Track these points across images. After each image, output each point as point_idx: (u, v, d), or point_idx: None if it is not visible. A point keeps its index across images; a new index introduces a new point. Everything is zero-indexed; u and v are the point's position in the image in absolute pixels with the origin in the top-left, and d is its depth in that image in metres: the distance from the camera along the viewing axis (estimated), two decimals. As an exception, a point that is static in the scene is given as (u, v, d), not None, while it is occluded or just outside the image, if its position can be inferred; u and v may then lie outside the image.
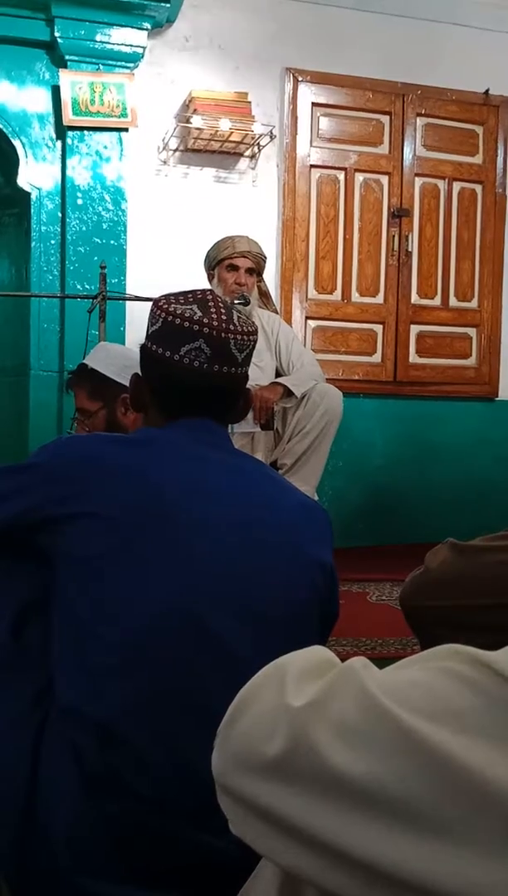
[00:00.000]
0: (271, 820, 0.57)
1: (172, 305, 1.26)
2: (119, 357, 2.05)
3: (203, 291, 1.30)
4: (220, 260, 3.29)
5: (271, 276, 3.93)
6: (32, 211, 3.82)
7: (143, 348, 1.31)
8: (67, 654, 1.14)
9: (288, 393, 3.15)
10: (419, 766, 0.51)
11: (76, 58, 3.71)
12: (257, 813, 0.58)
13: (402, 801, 0.51)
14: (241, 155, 4.04)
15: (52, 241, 3.82)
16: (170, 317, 1.25)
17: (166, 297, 1.29)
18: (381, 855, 0.51)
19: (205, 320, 1.23)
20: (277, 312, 3.69)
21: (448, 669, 0.55)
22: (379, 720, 0.54)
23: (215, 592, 1.13)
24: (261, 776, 0.58)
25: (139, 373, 1.35)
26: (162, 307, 1.26)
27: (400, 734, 0.53)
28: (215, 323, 1.24)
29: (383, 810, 0.52)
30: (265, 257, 3.40)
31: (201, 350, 1.23)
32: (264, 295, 3.59)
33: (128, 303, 3.68)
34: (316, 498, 3.25)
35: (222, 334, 1.24)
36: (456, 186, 4.38)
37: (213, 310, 1.25)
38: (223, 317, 1.25)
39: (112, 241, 3.81)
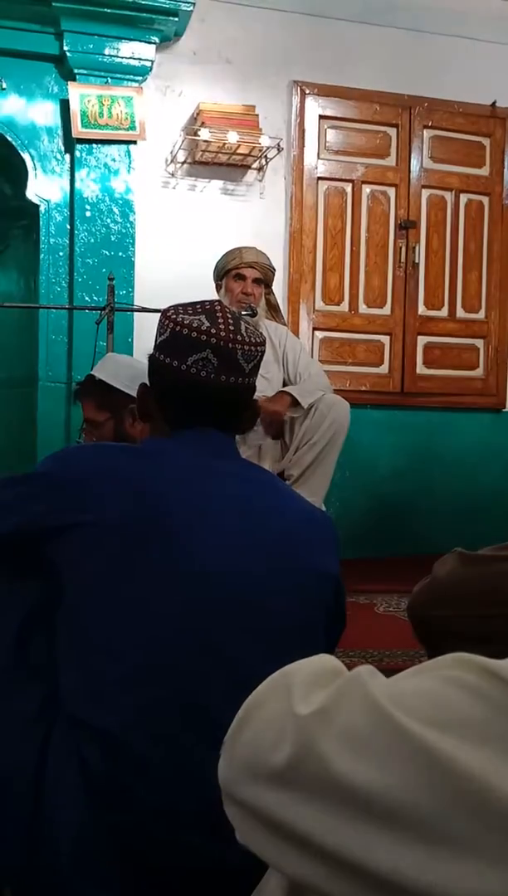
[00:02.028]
0: (277, 829, 0.57)
1: (181, 316, 1.26)
2: (127, 368, 2.05)
3: (211, 302, 1.30)
4: (227, 270, 3.30)
5: (278, 288, 3.94)
6: (41, 223, 3.84)
7: (150, 358, 1.32)
8: (71, 664, 1.15)
9: (294, 402, 3.15)
10: (425, 775, 0.51)
11: (85, 71, 3.74)
12: (262, 822, 0.58)
13: (408, 810, 0.51)
14: (248, 167, 4.06)
15: (61, 253, 3.84)
16: (178, 327, 1.25)
17: (175, 307, 1.30)
18: (386, 864, 0.51)
19: (213, 330, 1.24)
20: (285, 325, 3.69)
21: (455, 678, 0.55)
22: (386, 729, 0.54)
23: (219, 602, 1.12)
24: (267, 785, 0.58)
25: (147, 382, 1.36)
26: (170, 317, 1.27)
27: (407, 743, 0.52)
28: (223, 333, 1.24)
29: (388, 819, 0.52)
30: (274, 269, 3.41)
31: (208, 360, 1.24)
32: (273, 308, 3.59)
33: (136, 314, 3.70)
34: (324, 509, 3.24)
35: (230, 344, 1.24)
36: (463, 198, 4.39)
37: (221, 320, 1.25)
38: (231, 327, 1.25)
39: (120, 253, 3.83)
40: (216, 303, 1.30)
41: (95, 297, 3.73)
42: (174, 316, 1.27)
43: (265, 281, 3.35)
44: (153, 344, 1.32)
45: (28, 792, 1.10)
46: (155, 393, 1.33)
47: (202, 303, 1.30)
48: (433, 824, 0.50)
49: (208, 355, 1.24)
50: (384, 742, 0.53)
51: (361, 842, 0.52)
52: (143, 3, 3.65)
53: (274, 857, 0.58)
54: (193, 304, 1.29)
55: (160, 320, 1.30)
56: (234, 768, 0.61)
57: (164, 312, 1.29)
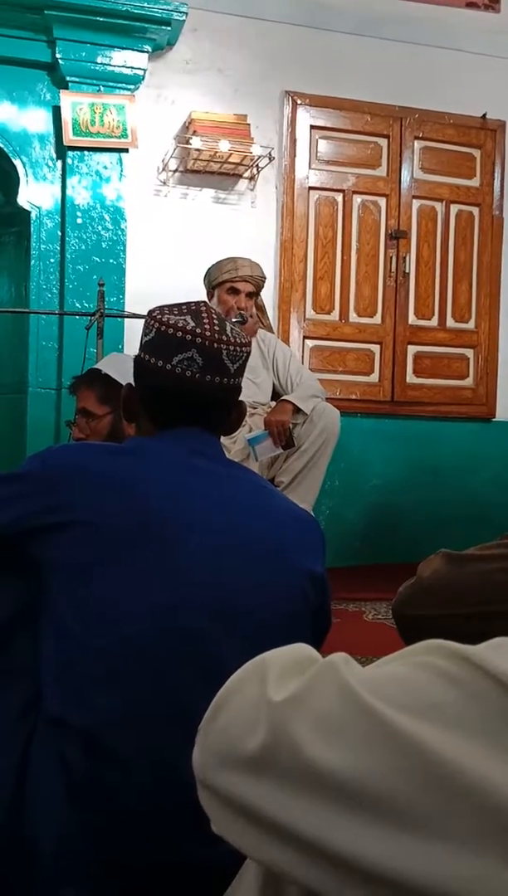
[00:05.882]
0: (252, 816, 0.57)
1: (166, 316, 1.26)
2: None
3: (197, 303, 1.30)
4: (221, 282, 3.31)
5: (269, 296, 3.96)
6: (32, 230, 3.85)
7: (136, 359, 1.32)
8: (53, 664, 1.14)
9: (296, 409, 3.18)
10: (397, 759, 0.51)
11: (77, 79, 3.75)
12: (237, 809, 0.58)
13: (381, 795, 0.51)
14: (240, 176, 4.08)
15: (52, 260, 3.85)
16: (163, 327, 1.25)
17: (160, 308, 1.30)
18: (360, 850, 0.51)
19: (198, 330, 1.24)
20: (271, 327, 3.70)
21: (428, 664, 0.55)
22: (359, 714, 0.54)
23: (203, 601, 1.12)
24: (241, 771, 0.57)
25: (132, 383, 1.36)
26: (155, 317, 1.27)
27: (379, 728, 0.52)
28: (208, 333, 1.24)
29: (361, 805, 0.51)
30: (265, 278, 3.43)
31: (193, 360, 1.24)
32: (260, 309, 3.61)
33: (126, 320, 3.70)
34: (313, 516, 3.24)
35: (215, 344, 1.24)
36: (454, 209, 4.42)
37: (206, 320, 1.25)
38: (216, 327, 1.25)
39: (111, 260, 3.84)
40: (202, 303, 1.30)
41: (85, 304, 3.73)
42: (159, 316, 1.27)
43: (257, 292, 3.39)
44: (139, 344, 1.32)
45: (9, 794, 1.09)
46: (141, 393, 1.33)
47: (188, 303, 1.30)
48: (405, 810, 0.50)
49: (194, 355, 1.24)
50: (358, 728, 0.53)
51: (334, 828, 0.52)
52: (135, 12, 3.67)
53: (248, 845, 0.58)
54: (178, 305, 1.29)
55: (146, 321, 1.30)
56: (208, 755, 0.61)
57: (149, 313, 1.29)
